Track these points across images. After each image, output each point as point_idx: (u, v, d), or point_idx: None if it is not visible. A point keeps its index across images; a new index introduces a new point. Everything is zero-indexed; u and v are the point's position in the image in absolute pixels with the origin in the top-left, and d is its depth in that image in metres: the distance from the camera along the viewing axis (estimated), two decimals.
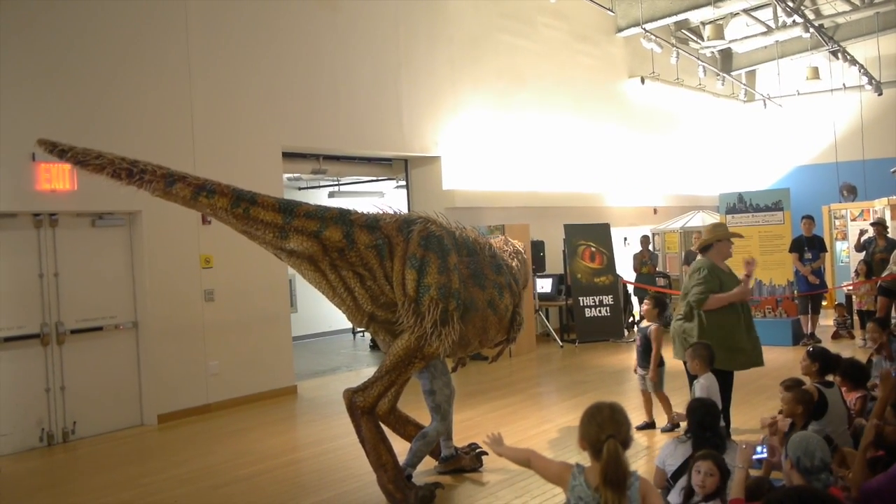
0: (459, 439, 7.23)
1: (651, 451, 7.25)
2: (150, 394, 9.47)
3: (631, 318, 15.55)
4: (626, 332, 14.63)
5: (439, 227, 6.42)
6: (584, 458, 3.51)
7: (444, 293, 6.07)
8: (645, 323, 8.21)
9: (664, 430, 7.90)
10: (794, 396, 5.58)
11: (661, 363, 8.06)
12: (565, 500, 3.42)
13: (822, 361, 6.35)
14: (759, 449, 4.74)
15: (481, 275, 6.63)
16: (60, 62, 8.84)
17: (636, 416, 8.02)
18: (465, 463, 6.90)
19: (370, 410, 6.16)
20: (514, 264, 7.30)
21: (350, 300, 6.17)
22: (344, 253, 6.02)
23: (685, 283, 7.55)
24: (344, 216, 6.12)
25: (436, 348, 6.09)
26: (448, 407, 6.53)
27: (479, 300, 6.52)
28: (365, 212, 6.36)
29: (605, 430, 3.28)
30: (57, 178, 8.70)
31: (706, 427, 5.13)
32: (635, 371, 8.40)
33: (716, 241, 7.34)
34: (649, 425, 8.04)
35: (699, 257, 7.47)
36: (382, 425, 6.43)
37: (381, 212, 6.42)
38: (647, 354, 8.02)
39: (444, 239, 6.28)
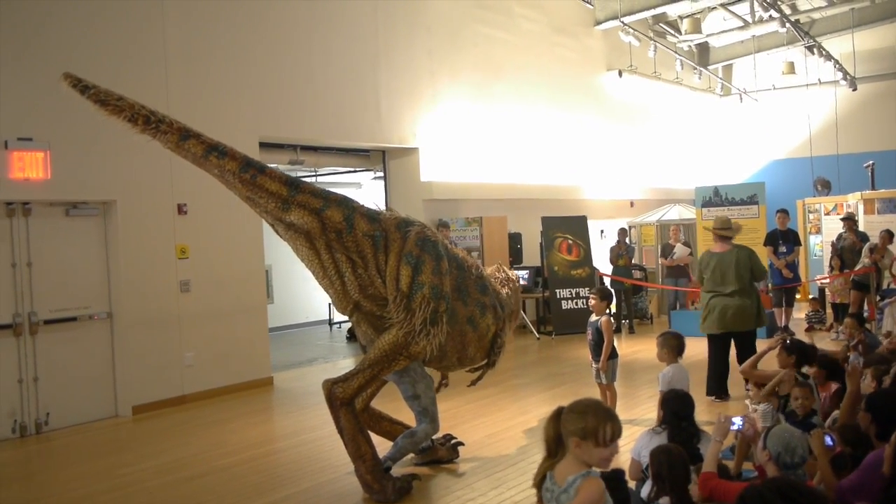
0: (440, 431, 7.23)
1: (628, 444, 7.29)
2: (125, 385, 9.40)
3: (608, 311, 15.59)
4: None
5: (434, 234, 6.51)
6: None
7: (437, 294, 6.13)
8: (594, 317, 8.17)
9: None
10: (807, 392, 5.80)
11: (613, 355, 8.07)
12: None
13: (799, 353, 6.41)
14: (735, 422, 4.74)
15: (465, 291, 6.65)
16: (33, 49, 8.71)
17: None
18: (441, 454, 6.91)
19: (349, 402, 6.14)
20: (504, 291, 7.32)
21: (339, 284, 6.18)
22: (341, 235, 6.07)
23: (741, 265, 8.87)
24: (347, 201, 6.23)
25: (422, 347, 6.12)
26: (434, 409, 6.50)
27: (460, 314, 6.54)
28: (363, 204, 6.47)
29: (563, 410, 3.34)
30: (30, 166, 8.58)
31: (681, 417, 5.16)
32: (591, 366, 8.27)
33: None
34: None
35: (734, 245, 9.09)
36: None
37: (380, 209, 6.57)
38: (599, 347, 8.01)
39: (438, 245, 6.36)
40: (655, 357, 7.24)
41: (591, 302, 8.26)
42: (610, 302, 8.45)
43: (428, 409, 6.44)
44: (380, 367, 6.16)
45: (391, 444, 6.68)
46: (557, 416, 3.32)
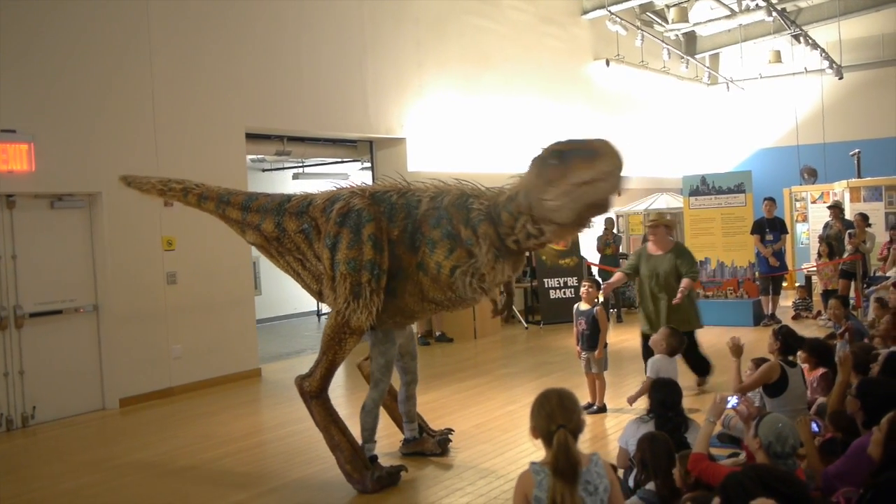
0: (427, 420, 7.22)
1: (616, 432, 7.31)
2: (112, 378, 9.35)
3: (596, 299, 15.64)
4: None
5: (365, 198, 6.19)
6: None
7: (354, 266, 5.98)
8: (584, 306, 8.13)
9: (591, 412, 7.90)
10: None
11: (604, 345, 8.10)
12: (534, 497, 3.27)
13: (784, 341, 6.40)
14: (730, 400, 4.73)
15: (417, 235, 6.05)
16: (17, 42, 8.63)
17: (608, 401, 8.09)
18: (427, 446, 6.87)
19: (318, 394, 6.23)
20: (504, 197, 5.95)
21: (300, 280, 6.70)
22: (280, 241, 6.58)
23: (673, 263, 8.60)
24: (281, 206, 6.59)
25: (357, 321, 6.01)
26: (380, 375, 6.38)
27: (410, 265, 6.05)
28: (305, 195, 6.64)
29: (554, 419, 3.23)
30: (14, 158, 8.51)
31: (668, 406, 5.16)
32: (579, 357, 8.24)
33: None
34: (601, 409, 8.00)
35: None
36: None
37: (321, 191, 6.62)
38: (594, 337, 8.00)
39: (363, 211, 6.07)
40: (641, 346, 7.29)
41: (588, 290, 8.19)
42: (599, 290, 8.48)
43: (373, 373, 6.43)
44: (332, 351, 6.18)
45: (404, 427, 6.97)
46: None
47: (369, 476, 6.01)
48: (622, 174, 5.15)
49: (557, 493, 3.15)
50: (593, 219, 5.52)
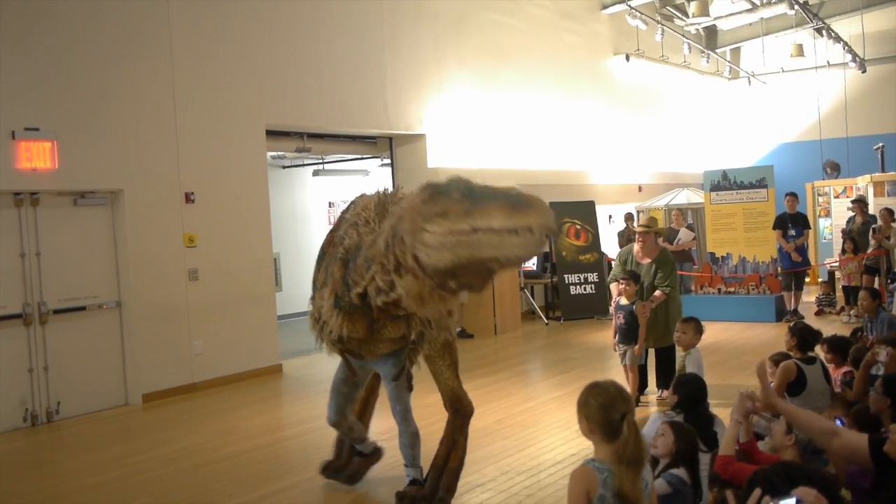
0: (441, 417, 7.20)
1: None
2: (135, 373, 9.43)
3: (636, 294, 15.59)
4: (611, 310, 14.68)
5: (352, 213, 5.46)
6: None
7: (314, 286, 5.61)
8: (623, 300, 8.13)
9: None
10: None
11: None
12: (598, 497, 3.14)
13: (800, 337, 6.33)
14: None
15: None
16: (36, 38, 8.69)
17: None
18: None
19: None
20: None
21: None
22: None
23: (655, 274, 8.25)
24: None
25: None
26: (332, 389, 5.84)
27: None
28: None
29: (617, 409, 3.15)
30: (38, 156, 8.58)
31: (697, 402, 5.12)
32: (615, 349, 8.32)
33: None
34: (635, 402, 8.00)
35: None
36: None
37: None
38: (632, 331, 8.01)
39: (336, 228, 5.61)
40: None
41: (626, 287, 8.10)
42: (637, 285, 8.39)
43: None
44: None
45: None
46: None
47: (330, 462, 6.25)
48: (544, 238, 3.88)
49: (626, 481, 3.08)
50: (466, 285, 4.15)
